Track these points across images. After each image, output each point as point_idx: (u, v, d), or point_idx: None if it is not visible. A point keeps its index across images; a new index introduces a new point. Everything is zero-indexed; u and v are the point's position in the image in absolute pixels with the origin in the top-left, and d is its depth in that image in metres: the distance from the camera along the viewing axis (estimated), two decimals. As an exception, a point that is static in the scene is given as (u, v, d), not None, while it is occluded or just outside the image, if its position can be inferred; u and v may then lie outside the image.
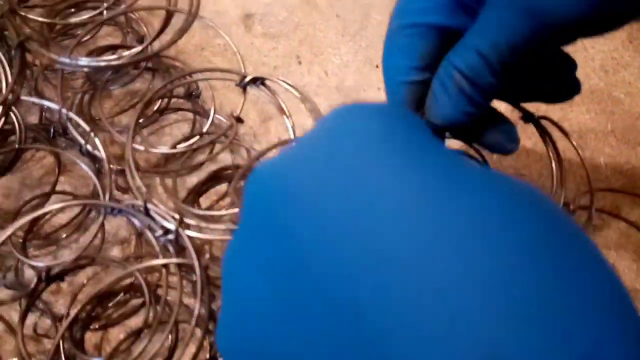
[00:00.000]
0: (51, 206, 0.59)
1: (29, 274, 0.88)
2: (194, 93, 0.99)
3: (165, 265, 0.58)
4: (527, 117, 0.72)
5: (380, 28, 1.23)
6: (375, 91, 1.14)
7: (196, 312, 0.55)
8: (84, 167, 0.65)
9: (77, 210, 0.94)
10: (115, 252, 0.94)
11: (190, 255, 0.57)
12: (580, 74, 1.32)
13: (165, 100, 0.90)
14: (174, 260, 0.58)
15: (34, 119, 0.94)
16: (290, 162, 0.37)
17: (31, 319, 0.84)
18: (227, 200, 0.94)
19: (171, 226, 0.59)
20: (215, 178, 0.90)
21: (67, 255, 0.91)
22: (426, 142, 0.35)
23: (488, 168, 0.54)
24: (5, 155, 0.74)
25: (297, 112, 0.78)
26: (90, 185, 0.98)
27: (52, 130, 0.90)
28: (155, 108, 0.90)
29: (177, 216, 0.60)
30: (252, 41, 1.18)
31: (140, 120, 0.93)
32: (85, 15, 0.76)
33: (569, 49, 1.31)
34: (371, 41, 1.21)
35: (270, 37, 1.20)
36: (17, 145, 0.67)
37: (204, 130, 0.77)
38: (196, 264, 0.56)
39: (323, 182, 0.33)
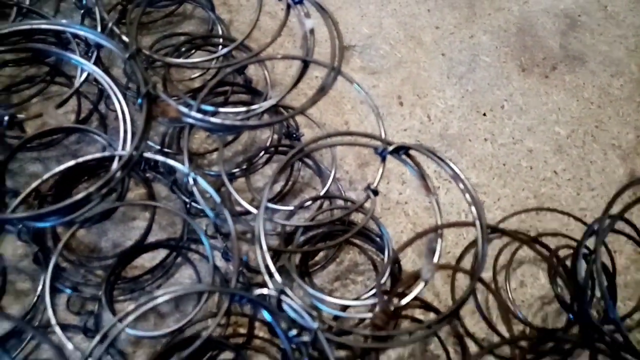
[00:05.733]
0: (170, 293, 0.50)
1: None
2: (295, 135, 0.91)
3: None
4: None
5: (489, 72, 1.13)
6: (481, 142, 1.05)
7: None
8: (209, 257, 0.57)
9: (163, 254, 0.87)
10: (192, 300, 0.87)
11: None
12: None
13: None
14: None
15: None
16: None
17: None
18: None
19: (310, 325, 0.51)
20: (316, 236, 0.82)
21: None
22: None
23: None
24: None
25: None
26: (177, 223, 0.91)
27: (143, 163, 0.83)
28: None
29: (314, 313, 0.51)
30: (350, 76, 1.09)
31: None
32: (200, 57, 0.68)
33: None
34: (478, 85, 1.11)
35: (370, 73, 1.11)
36: (117, 203, 0.60)
37: (323, 192, 0.68)
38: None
39: None
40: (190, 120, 0.57)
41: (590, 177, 1.02)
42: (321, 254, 0.88)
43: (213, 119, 0.56)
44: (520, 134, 1.06)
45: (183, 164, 0.62)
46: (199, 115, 0.56)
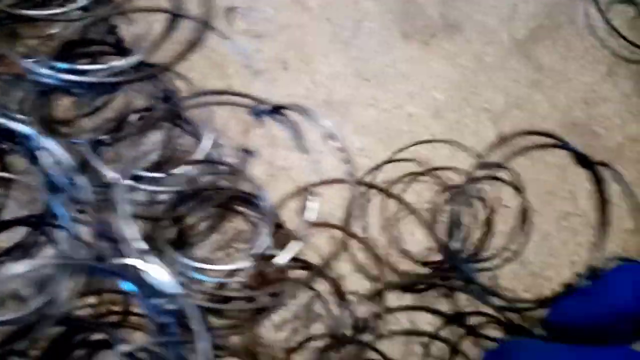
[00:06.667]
0: (11, 272, 0.45)
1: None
2: (170, 96, 0.86)
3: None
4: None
5: (373, 38, 1.14)
6: (365, 108, 1.06)
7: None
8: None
9: (22, 231, 0.78)
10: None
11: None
12: (563, 104, 1.30)
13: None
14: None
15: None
16: None
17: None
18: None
19: (175, 292, 0.48)
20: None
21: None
22: None
23: None
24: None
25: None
26: (40, 200, 0.82)
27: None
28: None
29: (181, 280, 0.49)
30: (233, 38, 1.05)
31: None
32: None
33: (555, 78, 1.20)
34: (362, 51, 1.12)
35: (254, 36, 1.07)
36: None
37: (201, 156, 0.65)
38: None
39: None
40: (36, 77, 0.50)
41: (464, 139, 1.08)
42: (203, 224, 0.85)
43: (65, 76, 0.51)
44: (402, 99, 1.09)
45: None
46: (48, 72, 0.51)
